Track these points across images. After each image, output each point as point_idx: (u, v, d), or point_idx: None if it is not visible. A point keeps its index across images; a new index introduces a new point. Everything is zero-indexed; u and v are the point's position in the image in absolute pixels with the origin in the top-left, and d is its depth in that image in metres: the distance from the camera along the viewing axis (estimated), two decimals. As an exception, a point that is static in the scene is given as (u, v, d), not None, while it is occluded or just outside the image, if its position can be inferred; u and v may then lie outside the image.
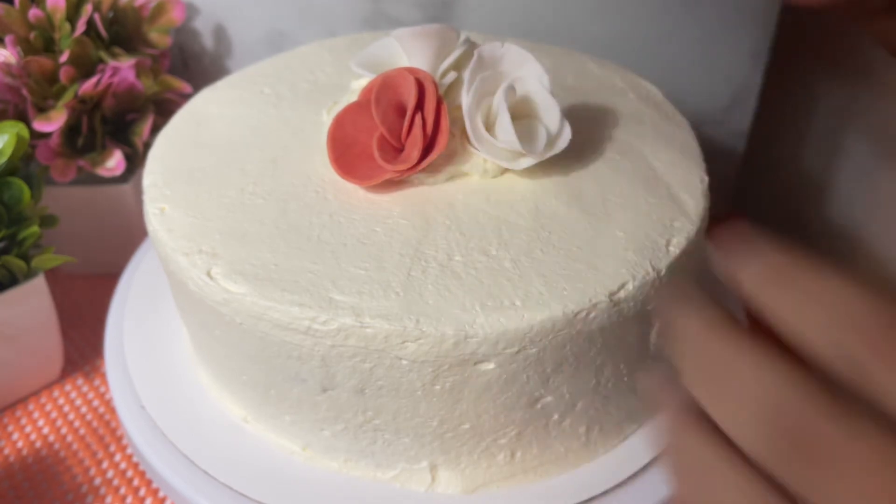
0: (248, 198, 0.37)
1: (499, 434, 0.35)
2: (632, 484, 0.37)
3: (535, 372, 0.33)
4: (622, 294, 0.33)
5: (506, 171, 0.38)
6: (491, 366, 0.32)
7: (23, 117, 0.50)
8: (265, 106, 0.43)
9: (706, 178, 0.40)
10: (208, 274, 0.34)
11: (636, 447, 0.38)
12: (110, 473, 0.45)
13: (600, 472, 0.37)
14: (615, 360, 0.35)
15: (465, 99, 0.36)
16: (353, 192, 0.37)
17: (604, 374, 0.35)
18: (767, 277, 0.20)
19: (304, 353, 0.33)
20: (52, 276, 0.57)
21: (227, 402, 0.39)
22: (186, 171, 0.39)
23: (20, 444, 0.47)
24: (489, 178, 0.38)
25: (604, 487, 0.37)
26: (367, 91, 0.38)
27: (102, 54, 0.51)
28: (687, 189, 0.38)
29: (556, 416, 0.35)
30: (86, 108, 0.51)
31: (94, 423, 0.48)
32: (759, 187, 0.71)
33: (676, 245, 0.35)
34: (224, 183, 0.38)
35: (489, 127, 0.37)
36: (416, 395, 0.33)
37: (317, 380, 0.34)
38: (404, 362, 0.32)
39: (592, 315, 0.33)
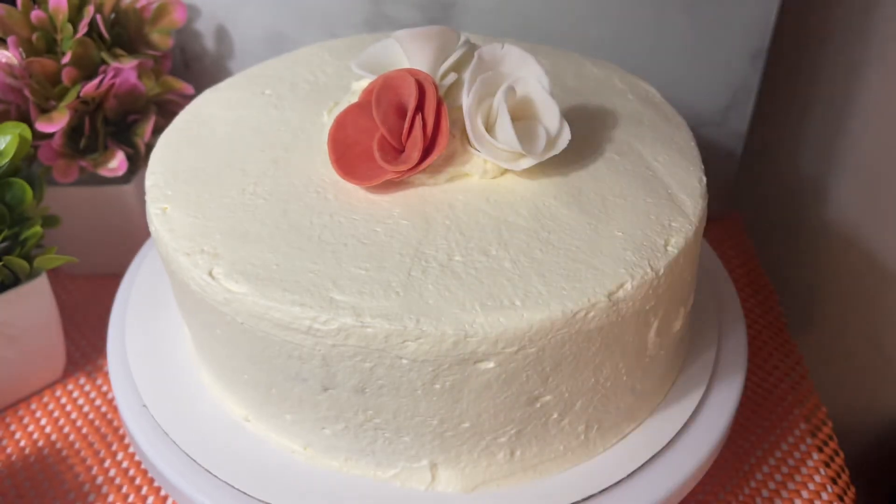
0: (250, 198, 0.37)
1: (498, 433, 0.35)
2: (630, 482, 0.37)
3: (535, 371, 0.33)
4: (621, 294, 0.33)
5: (506, 171, 0.38)
6: (491, 365, 0.33)
7: (25, 118, 0.50)
8: (266, 107, 0.43)
9: (704, 179, 0.40)
10: (210, 274, 0.34)
11: (635, 446, 0.39)
12: (112, 472, 0.46)
13: (599, 471, 0.38)
14: (614, 359, 0.35)
15: (466, 100, 0.37)
16: (354, 193, 0.38)
17: (602, 373, 0.35)
18: None
19: (305, 353, 0.33)
20: (55, 276, 0.58)
21: (228, 401, 0.40)
22: (188, 171, 0.39)
23: (23, 442, 0.47)
24: (489, 179, 0.38)
25: (602, 486, 0.37)
26: (367, 92, 0.39)
27: (104, 55, 0.52)
28: (685, 189, 0.39)
29: (555, 415, 0.35)
30: (88, 109, 0.52)
31: (97, 422, 0.48)
32: (757, 187, 0.72)
33: (675, 245, 0.36)
34: (225, 183, 0.38)
35: (489, 128, 0.37)
36: (416, 394, 0.33)
37: (317, 379, 0.34)
38: (404, 361, 0.32)
39: (591, 315, 0.33)
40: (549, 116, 0.38)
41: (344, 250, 0.34)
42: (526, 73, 0.38)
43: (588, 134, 0.41)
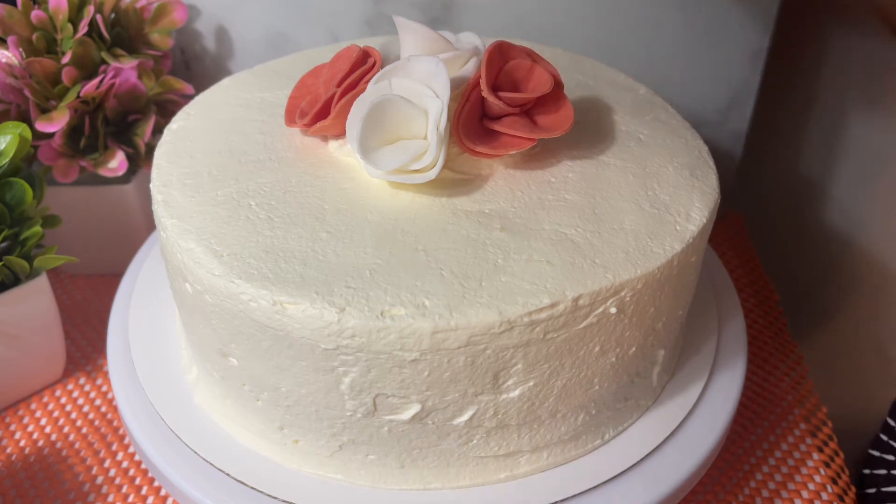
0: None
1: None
2: (628, 478, 0.37)
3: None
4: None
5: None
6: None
7: (25, 118, 0.50)
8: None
9: (712, 177, 0.40)
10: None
11: (632, 442, 0.39)
12: (113, 472, 0.46)
13: (596, 466, 0.38)
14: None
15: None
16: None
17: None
18: None
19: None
20: (55, 276, 0.58)
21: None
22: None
23: (23, 442, 0.47)
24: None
25: (599, 480, 0.37)
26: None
27: (104, 55, 0.52)
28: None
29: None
30: (88, 109, 0.52)
31: (97, 422, 0.48)
32: (757, 188, 0.72)
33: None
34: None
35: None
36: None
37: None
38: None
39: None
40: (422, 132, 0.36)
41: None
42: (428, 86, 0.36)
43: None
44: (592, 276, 0.33)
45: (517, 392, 0.34)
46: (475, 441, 0.36)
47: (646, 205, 0.37)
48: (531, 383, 0.34)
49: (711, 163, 0.41)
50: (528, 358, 0.33)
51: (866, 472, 0.47)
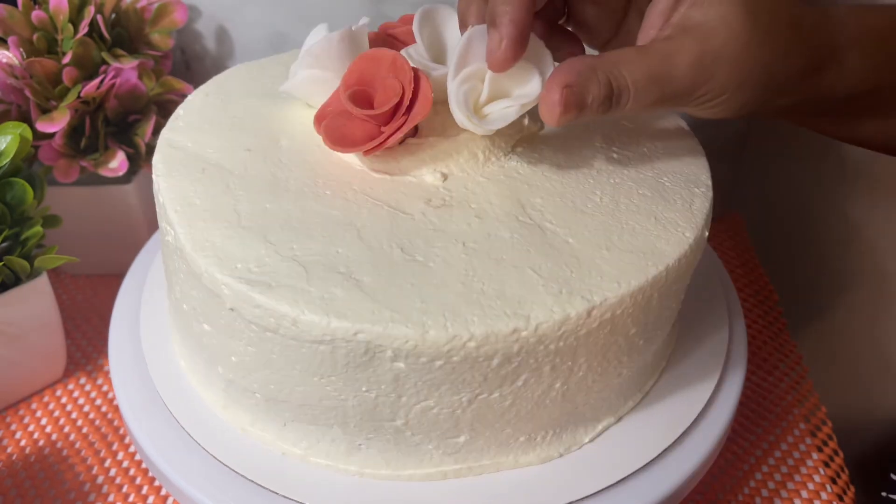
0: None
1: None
2: (630, 482, 0.37)
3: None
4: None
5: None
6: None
7: (26, 118, 0.50)
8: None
9: (709, 182, 0.39)
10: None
11: (634, 445, 0.39)
12: (113, 471, 0.46)
13: (597, 470, 0.38)
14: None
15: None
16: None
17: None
18: None
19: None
20: (55, 276, 0.58)
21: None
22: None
23: (23, 442, 0.47)
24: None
25: (602, 485, 0.37)
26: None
27: (105, 56, 0.52)
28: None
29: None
30: (88, 109, 0.52)
31: (97, 422, 0.48)
32: (757, 188, 0.72)
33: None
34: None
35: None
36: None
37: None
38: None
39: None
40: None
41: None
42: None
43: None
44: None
45: (241, 344, 0.35)
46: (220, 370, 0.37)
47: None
48: (243, 348, 0.35)
49: (706, 163, 0.40)
50: (237, 320, 0.34)
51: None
